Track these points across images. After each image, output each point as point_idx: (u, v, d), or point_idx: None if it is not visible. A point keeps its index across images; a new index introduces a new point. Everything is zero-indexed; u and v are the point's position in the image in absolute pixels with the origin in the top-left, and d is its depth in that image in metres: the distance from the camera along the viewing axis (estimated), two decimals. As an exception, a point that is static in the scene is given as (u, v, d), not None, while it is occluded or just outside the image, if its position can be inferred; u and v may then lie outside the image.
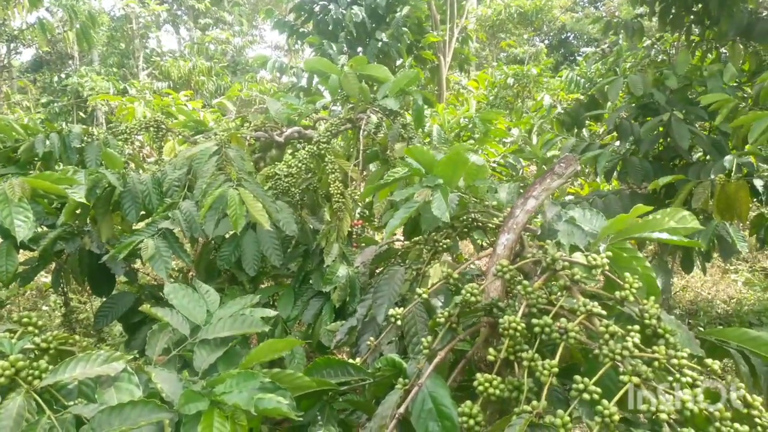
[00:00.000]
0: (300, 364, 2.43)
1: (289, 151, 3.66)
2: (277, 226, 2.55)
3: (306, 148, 2.90)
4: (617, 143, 6.15)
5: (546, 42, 24.66)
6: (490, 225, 1.98)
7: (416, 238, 2.26)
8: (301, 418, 1.20)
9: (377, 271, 2.54)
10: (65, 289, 3.47)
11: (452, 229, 1.98)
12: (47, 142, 3.15)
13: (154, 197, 2.74)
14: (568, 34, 25.54)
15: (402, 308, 1.56)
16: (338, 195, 2.70)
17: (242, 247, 2.56)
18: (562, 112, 6.05)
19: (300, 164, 2.83)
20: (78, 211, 2.76)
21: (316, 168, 3.05)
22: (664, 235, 1.44)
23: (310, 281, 2.71)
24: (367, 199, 3.40)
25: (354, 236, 2.79)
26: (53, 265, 3.23)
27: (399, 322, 1.52)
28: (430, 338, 1.40)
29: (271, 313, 1.60)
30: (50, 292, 5.10)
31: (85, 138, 3.33)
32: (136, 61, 19.43)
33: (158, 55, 20.23)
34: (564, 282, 1.35)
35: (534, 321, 1.26)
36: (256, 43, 23.76)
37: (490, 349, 1.28)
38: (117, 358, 1.12)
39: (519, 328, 1.26)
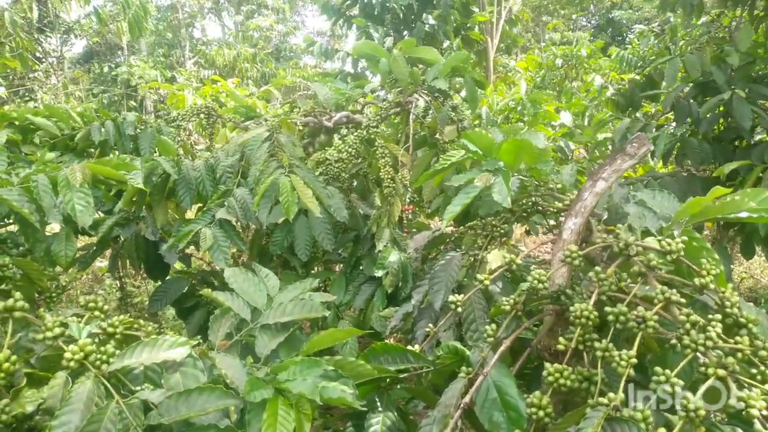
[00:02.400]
0: (352, 350, 2.42)
1: (337, 136, 3.64)
2: (328, 211, 2.55)
3: (356, 133, 2.87)
4: (673, 124, 5.89)
5: (592, 22, 23.86)
6: (551, 209, 1.91)
7: (471, 223, 2.21)
8: (363, 408, 1.18)
9: (429, 256, 2.51)
10: (121, 274, 3.56)
11: (511, 214, 1.92)
12: (103, 130, 3.22)
13: (208, 184, 2.76)
14: (616, 13, 24.64)
15: (462, 295, 1.51)
16: (389, 180, 2.66)
17: (294, 233, 2.56)
18: (616, 92, 5.83)
19: (350, 149, 2.80)
20: (135, 198, 2.82)
21: (365, 153, 3.02)
22: (745, 214, 1.35)
23: (361, 267, 2.70)
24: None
25: (404, 221, 2.76)
26: (109, 251, 3.32)
27: (459, 309, 1.48)
28: (494, 326, 1.36)
29: (330, 297, 1.58)
30: (106, 277, 5.27)
31: (139, 126, 3.39)
32: (182, 50, 19.81)
33: (204, 44, 20.55)
34: (639, 268, 1.28)
35: (608, 309, 1.20)
36: (299, 30, 23.85)
37: (561, 339, 1.23)
38: (182, 344, 1.12)
39: (591, 316, 1.20)
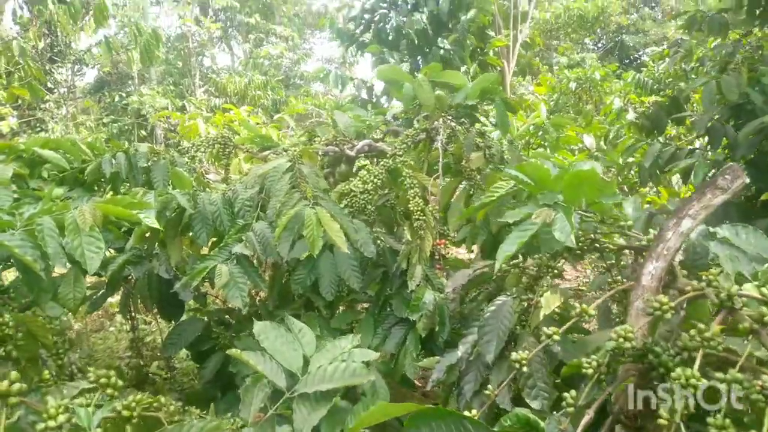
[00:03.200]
0: (384, 400, 2.21)
1: (357, 164, 3.48)
2: (355, 246, 2.36)
3: (381, 162, 2.70)
4: (697, 145, 5.69)
5: (599, 46, 23.81)
6: (610, 246, 1.72)
7: (516, 261, 2.01)
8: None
9: (467, 296, 2.31)
10: (133, 314, 3.38)
11: (568, 252, 1.72)
12: (114, 163, 3.06)
13: (225, 218, 2.58)
14: (623, 35, 24.59)
15: (525, 351, 1.31)
16: (418, 212, 2.48)
17: (319, 270, 2.37)
18: (639, 115, 5.66)
19: (376, 180, 2.63)
20: (147, 235, 2.64)
21: (391, 183, 2.84)
22: None
23: (391, 307, 2.50)
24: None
25: (437, 257, 2.56)
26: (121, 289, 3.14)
27: (525, 369, 1.28)
28: (573, 393, 1.15)
29: (372, 355, 1.38)
30: (116, 312, 5.07)
31: (152, 157, 3.24)
32: (192, 79, 19.89)
33: (214, 72, 20.66)
34: (748, 324, 1.08)
35: (719, 376, 0.99)
36: (309, 58, 23.98)
37: (662, 412, 1.02)
38: (213, 429, 0.92)
39: (698, 385, 1.00)
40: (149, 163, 3.20)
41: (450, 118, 3.18)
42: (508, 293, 1.86)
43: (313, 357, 1.30)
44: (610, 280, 1.83)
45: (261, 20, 23.25)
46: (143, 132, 12.73)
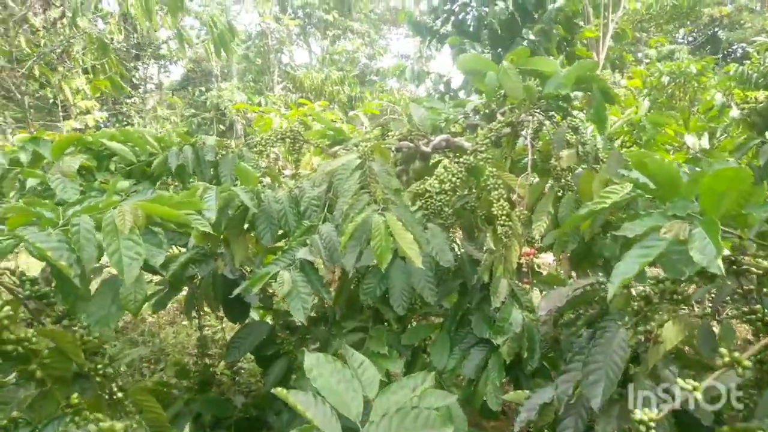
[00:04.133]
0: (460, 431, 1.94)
1: (433, 160, 3.21)
2: (430, 255, 2.10)
3: (461, 159, 2.41)
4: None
5: (688, 39, 22.20)
6: (753, 269, 1.36)
7: (627, 280, 1.68)
8: None
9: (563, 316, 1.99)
10: (200, 313, 3.28)
11: (698, 275, 1.38)
12: (180, 156, 2.95)
13: (291, 218, 2.39)
14: (716, 28, 22.81)
15: (656, 411, 1.00)
16: (503, 217, 2.18)
17: (390, 280, 2.13)
18: (750, 111, 5.05)
19: (454, 179, 2.35)
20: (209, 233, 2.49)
21: (471, 183, 2.56)
22: None
23: (470, 323, 2.22)
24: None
25: (524, 268, 2.25)
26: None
27: (653, 433, 0.97)
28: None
29: (450, 398, 1.12)
30: (180, 313, 5.05)
31: (220, 151, 3.11)
32: (271, 76, 20.24)
33: (292, 69, 20.93)
34: None
35: None
36: (385, 53, 23.88)
37: None
38: None
39: None
40: (217, 157, 3.08)
41: (538, 110, 2.85)
42: (617, 319, 1.54)
43: (377, 400, 1.05)
44: (746, 309, 1.48)
45: (339, 17, 23.36)
46: (222, 126, 13.00)
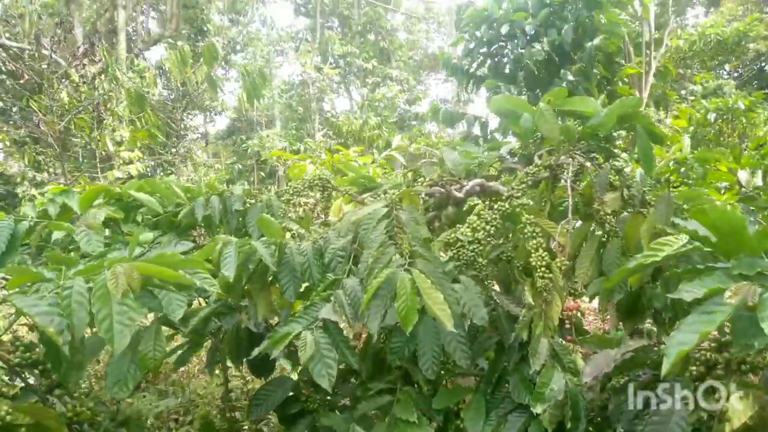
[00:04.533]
0: None
1: (467, 206, 3.05)
2: (461, 311, 1.93)
3: (496, 206, 2.26)
4: None
5: (735, 74, 21.53)
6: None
7: (684, 353, 1.47)
8: None
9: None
10: (225, 366, 3.16)
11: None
12: (207, 206, 2.90)
13: (315, 270, 2.26)
14: (763, 63, 22.07)
15: None
16: (542, 268, 2.00)
17: (418, 339, 1.96)
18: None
19: (488, 227, 2.19)
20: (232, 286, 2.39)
21: (507, 230, 2.39)
22: None
23: (507, 385, 2.02)
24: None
25: (567, 324, 2.05)
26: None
27: None
28: None
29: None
30: (200, 372, 4.92)
31: (248, 200, 3.05)
32: (312, 123, 20.62)
33: (333, 116, 21.30)
34: None
35: None
36: (423, 99, 24.10)
37: None
38: None
39: None
40: (246, 206, 3.02)
41: (578, 152, 2.69)
42: (673, 390, 1.34)
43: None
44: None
45: (378, 65, 23.81)
46: (262, 173, 13.22)
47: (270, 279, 2.45)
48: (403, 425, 1.84)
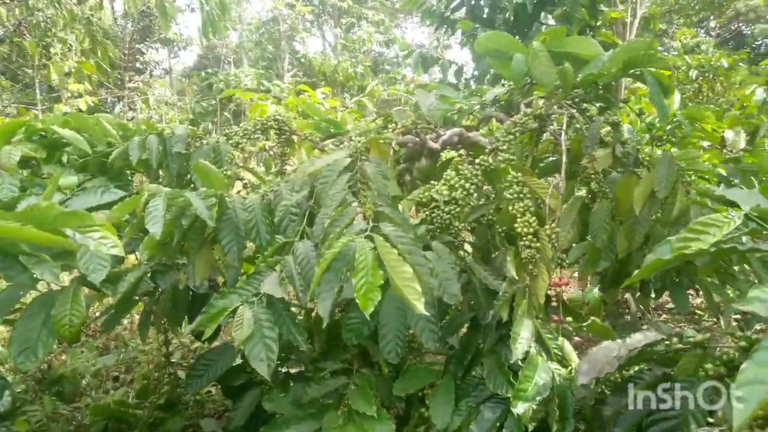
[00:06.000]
0: None
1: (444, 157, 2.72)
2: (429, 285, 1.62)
3: (478, 160, 1.93)
4: None
5: (712, 34, 21.27)
6: None
7: (699, 337, 1.20)
8: None
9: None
10: (165, 328, 2.83)
11: None
12: (145, 147, 2.50)
13: (264, 230, 1.92)
14: (740, 24, 21.83)
15: None
16: (529, 237, 1.69)
17: (380, 317, 1.65)
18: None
19: (468, 184, 1.86)
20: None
21: (488, 190, 2.08)
22: None
23: (481, 368, 1.74)
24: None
25: (553, 301, 1.76)
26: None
27: None
28: None
29: None
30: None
31: (193, 142, 2.65)
32: (282, 63, 19.72)
33: (304, 57, 20.39)
34: None
35: None
36: (398, 43, 23.22)
37: None
38: None
39: None
40: (191, 150, 2.64)
41: (569, 101, 2.37)
42: (687, 393, 1.07)
43: None
44: None
45: (353, 4, 22.75)
46: (227, 114, 12.56)
47: (212, 237, 2.11)
48: (360, 419, 1.56)
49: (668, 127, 5.03)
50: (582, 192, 2.48)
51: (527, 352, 1.49)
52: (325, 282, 1.35)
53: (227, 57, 21.34)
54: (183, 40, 15.87)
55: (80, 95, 6.63)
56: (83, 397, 3.51)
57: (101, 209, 2.03)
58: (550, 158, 2.92)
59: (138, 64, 13.85)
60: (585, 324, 1.75)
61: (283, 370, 2.08)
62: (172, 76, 20.94)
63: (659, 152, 3.15)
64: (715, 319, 4.97)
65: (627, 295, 3.10)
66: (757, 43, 21.00)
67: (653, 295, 2.61)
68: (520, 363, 1.52)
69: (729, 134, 4.99)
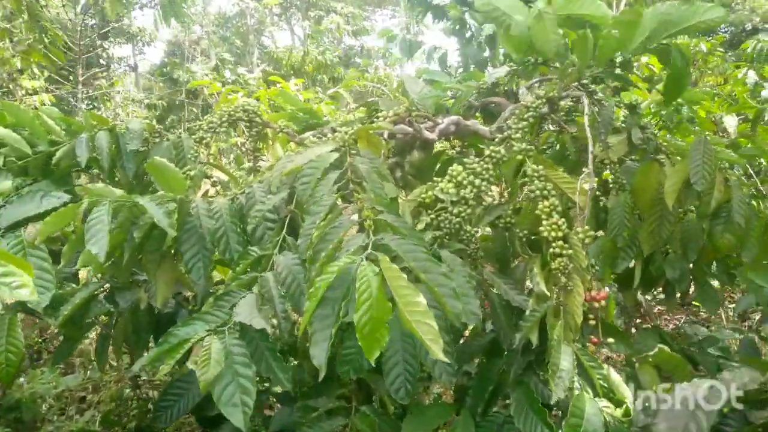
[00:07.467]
0: None
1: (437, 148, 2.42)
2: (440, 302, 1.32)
3: (488, 152, 1.63)
4: None
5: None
6: None
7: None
8: None
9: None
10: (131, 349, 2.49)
11: None
12: (93, 145, 2.15)
13: (234, 240, 1.59)
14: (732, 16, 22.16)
15: None
16: (559, 242, 1.40)
17: (384, 349, 1.34)
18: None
19: (478, 181, 1.56)
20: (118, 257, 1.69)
21: (503, 188, 1.78)
22: None
23: (506, 400, 1.44)
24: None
25: (590, 317, 1.46)
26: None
27: None
28: None
29: None
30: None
31: (152, 138, 2.31)
32: (250, 57, 19.19)
33: (273, 51, 19.90)
34: None
35: None
36: (369, 34, 22.80)
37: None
38: None
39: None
40: (149, 146, 2.30)
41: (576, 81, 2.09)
42: None
43: None
44: None
45: (322, -5, 22.27)
46: (194, 109, 12.07)
47: (174, 249, 1.77)
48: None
49: (662, 111, 4.77)
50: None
51: (572, 389, 1.20)
52: (319, 319, 1.03)
53: (193, 53, 20.74)
54: (147, 35, 15.23)
55: (35, 92, 6.16)
56: (45, 424, 3.14)
57: (41, 218, 1.69)
58: (552, 148, 2.66)
59: (102, 60, 13.21)
60: (654, 352, 1.45)
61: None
62: (137, 72, 20.19)
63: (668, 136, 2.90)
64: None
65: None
66: (723, 29, 21.27)
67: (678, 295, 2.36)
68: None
69: (730, 120, 4.78)
